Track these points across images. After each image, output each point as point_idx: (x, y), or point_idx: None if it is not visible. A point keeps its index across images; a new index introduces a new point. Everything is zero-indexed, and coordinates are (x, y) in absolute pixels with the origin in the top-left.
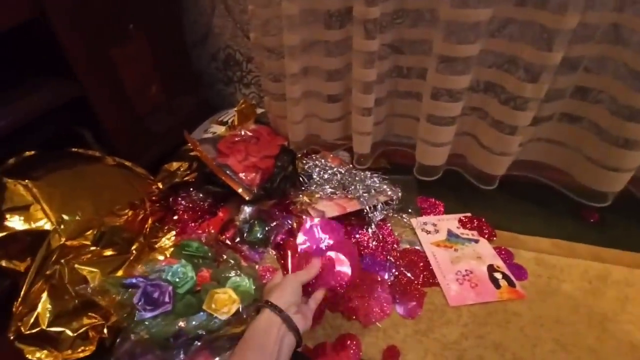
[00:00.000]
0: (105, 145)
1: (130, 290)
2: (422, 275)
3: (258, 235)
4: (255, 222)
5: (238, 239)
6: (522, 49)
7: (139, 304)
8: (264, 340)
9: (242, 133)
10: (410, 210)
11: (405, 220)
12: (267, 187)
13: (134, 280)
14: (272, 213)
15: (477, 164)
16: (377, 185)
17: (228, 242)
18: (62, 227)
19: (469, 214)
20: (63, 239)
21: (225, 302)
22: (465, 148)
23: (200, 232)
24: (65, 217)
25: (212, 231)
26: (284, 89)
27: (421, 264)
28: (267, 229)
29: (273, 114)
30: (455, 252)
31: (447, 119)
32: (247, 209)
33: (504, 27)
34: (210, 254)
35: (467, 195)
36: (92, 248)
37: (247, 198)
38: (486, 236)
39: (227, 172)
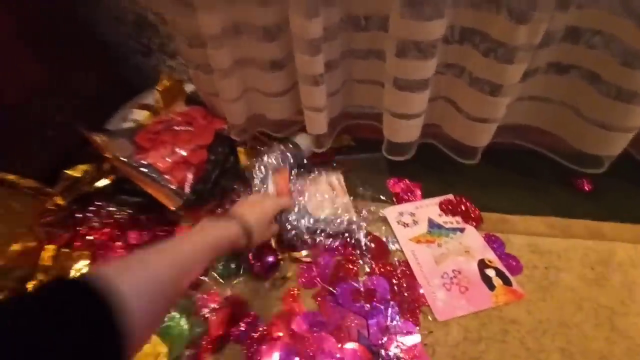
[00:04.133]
0: None
1: None
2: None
3: (229, 264)
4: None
5: None
6: None
7: None
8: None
9: (169, 118)
10: (382, 197)
11: (375, 210)
12: (199, 188)
13: None
14: None
15: (455, 135)
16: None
17: None
18: None
19: (450, 196)
20: None
21: (147, 358)
22: (441, 115)
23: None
24: None
25: None
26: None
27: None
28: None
29: (204, 91)
30: (439, 247)
31: (418, 82)
32: None
33: None
34: None
35: (447, 171)
36: None
37: (172, 207)
38: (473, 222)
39: (148, 173)
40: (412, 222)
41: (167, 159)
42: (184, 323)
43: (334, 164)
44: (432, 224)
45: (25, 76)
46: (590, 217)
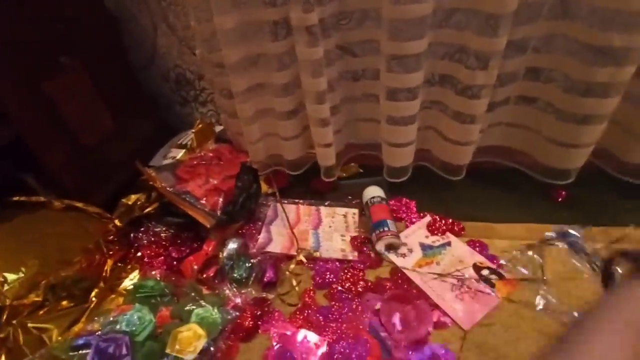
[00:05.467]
0: (54, 187)
1: (80, 352)
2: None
3: (241, 273)
4: (241, 258)
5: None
6: (470, 38)
7: None
8: None
9: (202, 154)
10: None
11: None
12: (229, 210)
13: (81, 341)
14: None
15: (442, 156)
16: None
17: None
18: (5, 287)
19: (433, 217)
20: (9, 300)
21: (190, 340)
22: (430, 142)
23: (160, 268)
24: (8, 276)
25: (195, 267)
26: None
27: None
28: (248, 265)
29: (232, 132)
30: (437, 265)
31: (406, 118)
32: (231, 244)
33: (449, 17)
34: (167, 290)
35: (438, 188)
36: (47, 303)
37: (207, 225)
38: (456, 233)
39: (187, 199)
40: (407, 251)
41: (202, 187)
42: (215, 313)
43: (354, 202)
44: (424, 247)
45: (98, 123)
46: (567, 222)
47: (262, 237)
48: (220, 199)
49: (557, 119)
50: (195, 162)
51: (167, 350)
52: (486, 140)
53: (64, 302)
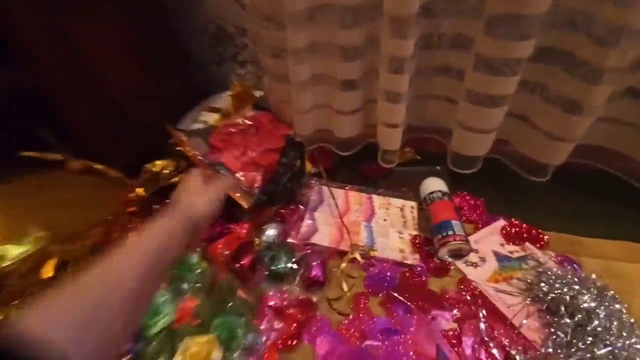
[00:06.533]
0: (72, 145)
1: None
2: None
3: (283, 267)
4: (283, 249)
5: (257, 268)
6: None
7: None
8: None
9: (239, 122)
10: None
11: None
12: (270, 191)
13: None
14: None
15: (527, 151)
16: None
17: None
18: (7, 262)
19: (508, 221)
20: (11, 279)
21: (201, 357)
22: (514, 132)
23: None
24: (10, 249)
25: (226, 253)
26: (287, 67)
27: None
28: (294, 260)
29: (275, 99)
30: (519, 282)
31: (497, 98)
32: (271, 231)
33: None
34: (206, 276)
35: (510, 188)
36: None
37: (245, 206)
38: (538, 245)
39: (222, 171)
40: (479, 260)
41: (238, 159)
42: (237, 323)
43: (410, 193)
44: (499, 257)
45: (130, 78)
46: None
47: (305, 225)
48: (259, 176)
49: None
50: (231, 130)
51: None
52: (586, 138)
53: None
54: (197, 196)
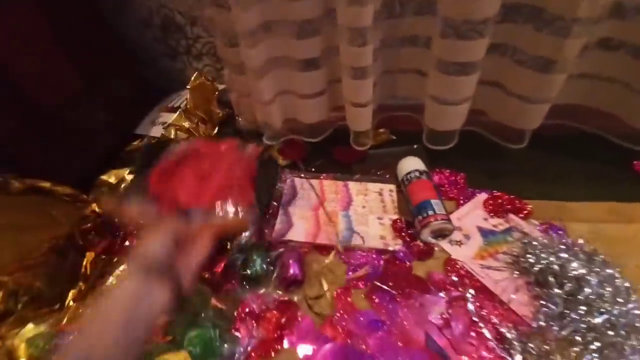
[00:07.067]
0: (13, 164)
1: None
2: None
3: (256, 270)
4: (254, 251)
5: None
6: None
7: None
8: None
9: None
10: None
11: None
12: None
13: None
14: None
15: (502, 118)
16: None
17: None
18: None
19: (490, 193)
20: None
21: None
22: (487, 100)
23: None
24: None
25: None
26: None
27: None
28: (268, 260)
29: (236, 93)
30: (506, 256)
31: (467, 65)
32: (244, 233)
33: None
34: None
35: (489, 159)
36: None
37: (247, 231)
38: (522, 214)
39: (195, 217)
40: (463, 238)
41: (199, 194)
42: (211, 335)
43: (387, 176)
44: (483, 232)
45: (61, 81)
46: None
47: (279, 222)
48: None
49: None
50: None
51: None
52: (561, 98)
53: (29, 312)
54: (148, 240)
